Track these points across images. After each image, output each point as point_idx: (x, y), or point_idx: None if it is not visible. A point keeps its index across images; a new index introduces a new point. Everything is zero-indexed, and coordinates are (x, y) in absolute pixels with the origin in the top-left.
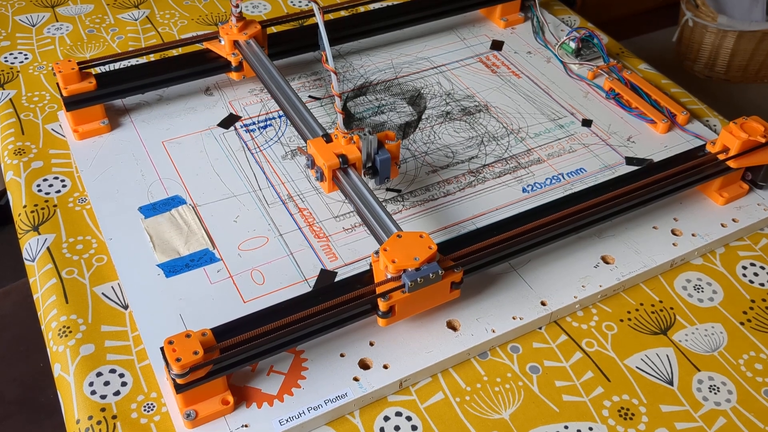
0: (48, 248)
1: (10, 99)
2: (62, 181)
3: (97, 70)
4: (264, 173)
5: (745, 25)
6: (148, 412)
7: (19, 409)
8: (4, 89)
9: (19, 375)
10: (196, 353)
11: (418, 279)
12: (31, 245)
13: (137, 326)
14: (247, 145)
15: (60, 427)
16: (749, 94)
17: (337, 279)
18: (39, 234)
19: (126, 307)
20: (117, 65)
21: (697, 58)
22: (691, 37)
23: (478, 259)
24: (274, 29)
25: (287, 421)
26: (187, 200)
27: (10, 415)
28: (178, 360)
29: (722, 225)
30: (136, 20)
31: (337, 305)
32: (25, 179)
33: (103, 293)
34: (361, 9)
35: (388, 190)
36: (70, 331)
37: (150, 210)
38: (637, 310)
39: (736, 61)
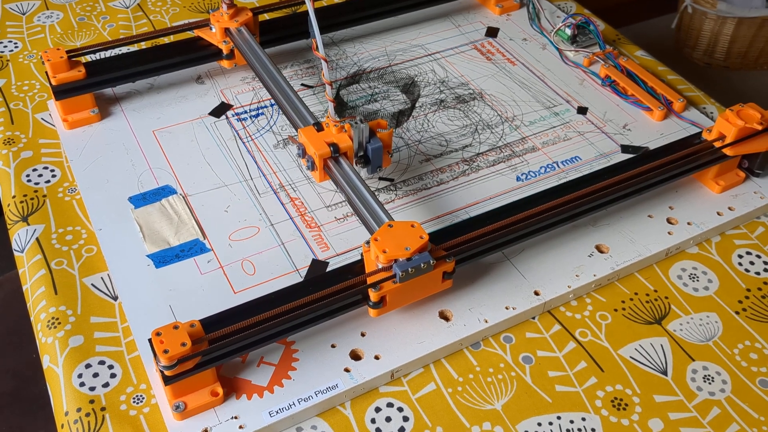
0: (37, 239)
1: (0, 88)
2: (52, 170)
3: (88, 58)
4: (255, 162)
5: (745, 11)
6: (138, 404)
7: (11, 400)
8: None
9: (12, 366)
10: (184, 345)
11: (410, 269)
12: (20, 236)
13: (126, 317)
14: (238, 134)
15: (53, 419)
16: (749, 81)
17: (329, 269)
18: (28, 225)
19: (115, 298)
20: (107, 53)
21: (696, 45)
22: (691, 23)
23: (470, 248)
24: (266, 16)
25: (277, 412)
26: (178, 190)
27: (2, 406)
28: (165, 352)
29: (718, 213)
30: (127, 8)
31: (327, 296)
32: (14, 169)
33: (92, 284)
34: None
35: (380, 179)
36: (59, 323)
37: (140, 200)
38: (631, 299)
39: (736, 47)
